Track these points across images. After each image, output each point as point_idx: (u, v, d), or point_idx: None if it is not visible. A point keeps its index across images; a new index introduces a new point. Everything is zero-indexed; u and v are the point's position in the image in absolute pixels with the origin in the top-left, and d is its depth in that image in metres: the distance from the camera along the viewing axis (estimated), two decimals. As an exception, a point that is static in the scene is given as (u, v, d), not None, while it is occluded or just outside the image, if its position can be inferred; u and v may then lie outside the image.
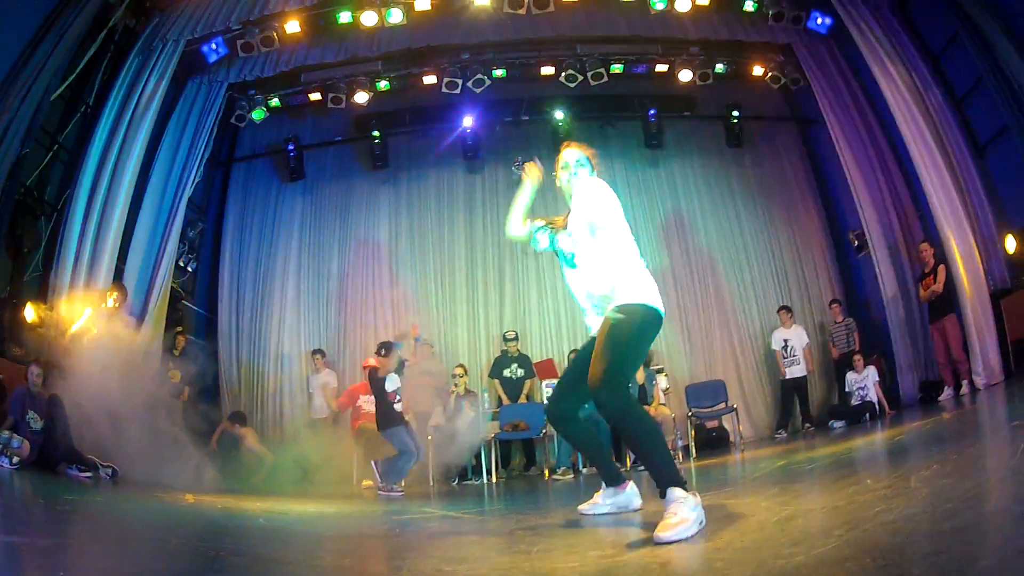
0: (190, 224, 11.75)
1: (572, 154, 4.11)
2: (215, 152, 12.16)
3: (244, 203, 13.31)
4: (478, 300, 12.79)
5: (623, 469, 8.96)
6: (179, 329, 10.98)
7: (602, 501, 4.08)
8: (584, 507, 4.12)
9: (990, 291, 9.21)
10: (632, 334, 3.44)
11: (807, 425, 11.03)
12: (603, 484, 4.14)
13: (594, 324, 3.79)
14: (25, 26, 8.28)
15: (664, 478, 3.18)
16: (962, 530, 2.09)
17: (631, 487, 4.08)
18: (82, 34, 8.88)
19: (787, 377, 11.44)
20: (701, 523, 3.03)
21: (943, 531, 2.14)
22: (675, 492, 3.10)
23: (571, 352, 10.70)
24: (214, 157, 12.29)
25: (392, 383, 8.86)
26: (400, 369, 8.77)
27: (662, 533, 2.85)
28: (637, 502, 4.05)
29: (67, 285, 8.80)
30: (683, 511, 2.99)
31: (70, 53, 8.77)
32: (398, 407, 8.74)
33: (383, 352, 8.38)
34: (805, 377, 11.38)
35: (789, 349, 11.41)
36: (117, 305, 8.75)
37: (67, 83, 9.09)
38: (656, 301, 3.54)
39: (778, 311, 11.94)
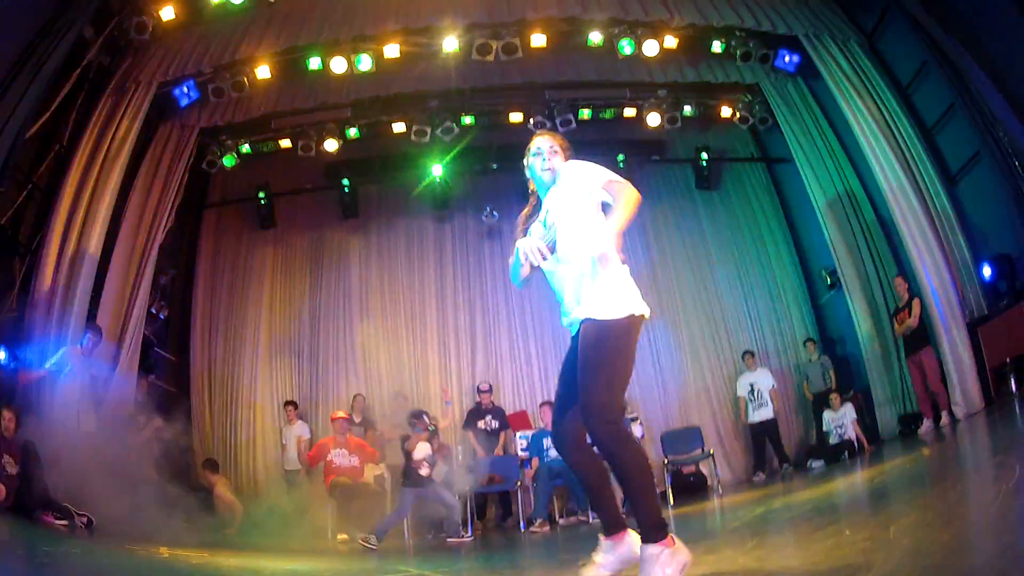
0: (161, 271, 11.57)
1: (545, 141, 3.81)
2: (186, 197, 12.00)
3: (216, 250, 13.19)
4: (450, 351, 12.69)
5: (586, 518, 8.92)
6: (151, 377, 10.82)
7: (603, 560, 3.35)
8: (587, 573, 3.37)
9: (967, 320, 9.22)
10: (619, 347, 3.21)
11: (784, 465, 10.95)
12: (600, 537, 3.43)
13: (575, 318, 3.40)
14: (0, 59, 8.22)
15: (644, 530, 3.01)
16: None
17: (631, 535, 3.33)
18: (57, 71, 8.80)
19: (756, 421, 11.39)
20: (684, 567, 2.96)
21: (924, 593, 2.06)
22: (649, 550, 2.96)
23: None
24: (185, 202, 12.13)
25: (421, 451, 8.79)
26: (434, 435, 8.84)
27: None
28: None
29: (40, 328, 8.66)
30: (655, 572, 2.89)
31: (44, 90, 8.68)
32: (424, 471, 8.63)
33: (412, 423, 8.59)
34: (774, 419, 11.33)
35: (756, 392, 11.39)
36: (89, 345, 8.58)
37: (41, 121, 8.97)
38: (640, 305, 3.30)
39: (742, 356, 11.93)
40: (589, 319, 3.26)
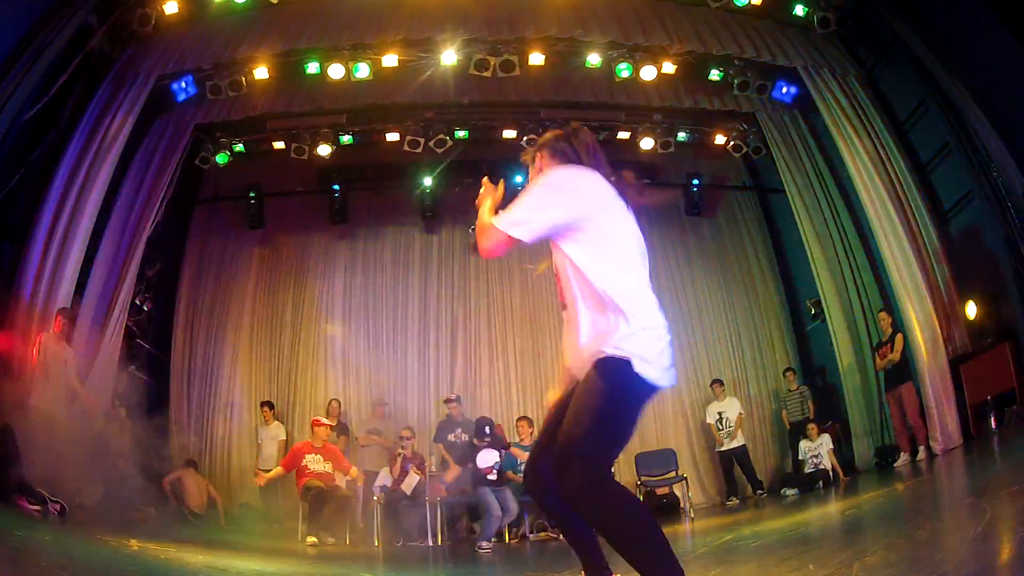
0: (148, 263, 11.52)
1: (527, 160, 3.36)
2: (177, 192, 11.95)
3: (203, 246, 13.16)
4: (429, 362, 12.70)
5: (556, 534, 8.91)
6: (131, 368, 10.78)
7: None
8: None
9: (949, 357, 9.27)
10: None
11: (758, 492, 10.97)
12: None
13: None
14: (2, 42, 8.21)
15: None
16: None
17: None
18: (58, 56, 8.79)
19: (724, 449, 11.41)
20: None
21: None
22: None
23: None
24: (176, 197, 12.09)
25: (486, 459, 9.14)
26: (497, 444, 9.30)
27: None
28: None
29: (23, 313, 8.64)
30: None
31: (44, 75, 8.67)
32: (491, 477, 9.02)
33: (479, 432, 9.55)
34: (743, 447, 11.36)
35: (724, 421, 11.42)
36: (63, 331, 8.52)
37: (40, 105, 8.92)
38: None
39: (711, 385, 11.94)
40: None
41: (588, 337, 2.79)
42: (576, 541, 2.97)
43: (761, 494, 10.95)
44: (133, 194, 10.59)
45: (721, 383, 11.79)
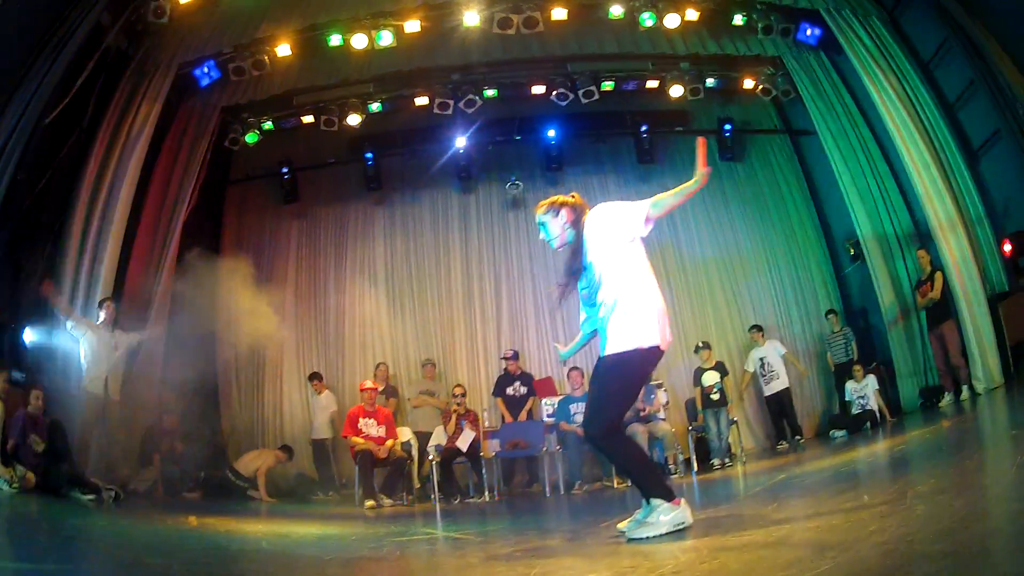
0: (185, 246, 11.69)
1: (541, 212, 4.16)
2: (209, 175, 12.07)
3: (239, 226, 13.36)
4: (476, 319, 12.84)
5: (624, 484, 9.04)
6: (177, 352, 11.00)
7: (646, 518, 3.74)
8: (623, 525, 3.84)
9: (987, 296, 9.21)
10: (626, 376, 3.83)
11: (796, 437, 10.98)
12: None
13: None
14: (17, 49, 8.32)
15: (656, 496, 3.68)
16: (953, 553, 2.09)
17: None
18: (76, 56, 8.88)
19: (769, 394, 11.38)
20: (677, 526, 3.55)
21: (934, 554, 2.14)
22: (655, 500, 3.64)
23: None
24: (208, 180, 12.22)
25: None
26: None
27: (626, 529, 3.68)
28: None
29: (65, 307, 8.79)
30: (652, 517, 3.61)
31: (64, 75, 8.78)
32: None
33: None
34: (787, 389, 11.31)
35: (767, 365, 11.38)
36: (108, 318, 8.75)
37: (60, 107, 9.04)
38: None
39: (749, 331, 11.89)
40: (602, 356, 3.82)
41: None
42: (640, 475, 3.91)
43: (799, 439, 10.96)
44: (165, 182, 10.78)
45: (759, 328, 11.75)
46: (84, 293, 9.11)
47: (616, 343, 3.75)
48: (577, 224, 4.03)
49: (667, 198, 3.89)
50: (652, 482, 3.74)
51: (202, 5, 10.57)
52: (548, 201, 4.15)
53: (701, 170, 3.80)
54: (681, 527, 3.58)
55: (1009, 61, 8.44)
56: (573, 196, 4.17)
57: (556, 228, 4.08)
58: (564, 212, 4.07)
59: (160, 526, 5.94)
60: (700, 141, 3.87)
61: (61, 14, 8.66)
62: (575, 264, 3.99)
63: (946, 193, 9.60)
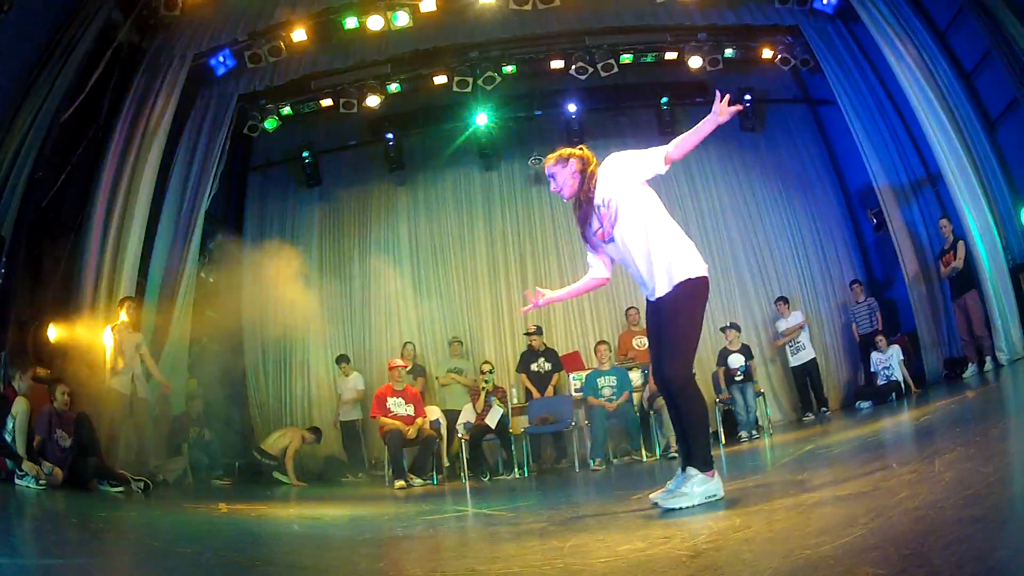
0: (208, 235, 11.82)
1: (549, 164, 4.23)
2: (230, 163, 12.22)
3: (262, 212, 13.49)
4: (501, 296, 12.92)
5: (653, 457, 9.11)
6: (204, 340, 11.16)
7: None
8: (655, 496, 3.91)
9: (1009, 265, 9.16)
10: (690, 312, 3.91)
11: (822, 409, 11.01)
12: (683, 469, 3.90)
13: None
14: (30, 48, 8.36)
15: (697, 458, 3.77)
16: (983, 518, 2.13)
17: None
18: (88, 54, 8.94)
19: (796, 364, 11.46)
20: (709, 497, 3.64)
21: (964, 519, 2.18)
22: (691, 471, 3.74)
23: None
24: (229, 168, 12.37)
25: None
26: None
27: (659, 499, 3.75)
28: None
29: (88, 303, 8.97)
30: (687, 487, 3.69)
31: (77, 73, 8.82)
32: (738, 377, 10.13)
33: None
34: (814, 360, 11.38)
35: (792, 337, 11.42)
36: (130, 318, 8.87)
37: (76, 104, 9.11)
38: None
39: (775, 303, 11.93)
40: (656, 298, 3.93)
41: None
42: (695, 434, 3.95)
43: (824, 411, 10.99)
44: (185, 172, 10.89)
45: (785, 300, 11.78)
46: (108, 287, 9.21)
47: (668, 279, 3.86)
48: (585, 172, 4.11)
49: (684, 137, 3.98)
50: (701, 445, 3.79)
51: (214, -7, 10.59)
52: (556, 153, 4.24)
53: (717, 106, 3.96)
54: (713, 499, 3.67)
55: (1023, 29, 8.33)
56: (581, 148, 4.26)
57: (566, 176, 4.16)
58: (573, 162, 4.15)
59: (190, 514, 6.00)
60: (718, 94, 4.01)
61: (72, 13, 8.69)
62: (586, 212, 4.09)
63: (966, 161, 9.50)
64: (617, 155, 4.04)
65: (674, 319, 3.87)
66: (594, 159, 4.18)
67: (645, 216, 3.93)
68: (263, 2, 10.62)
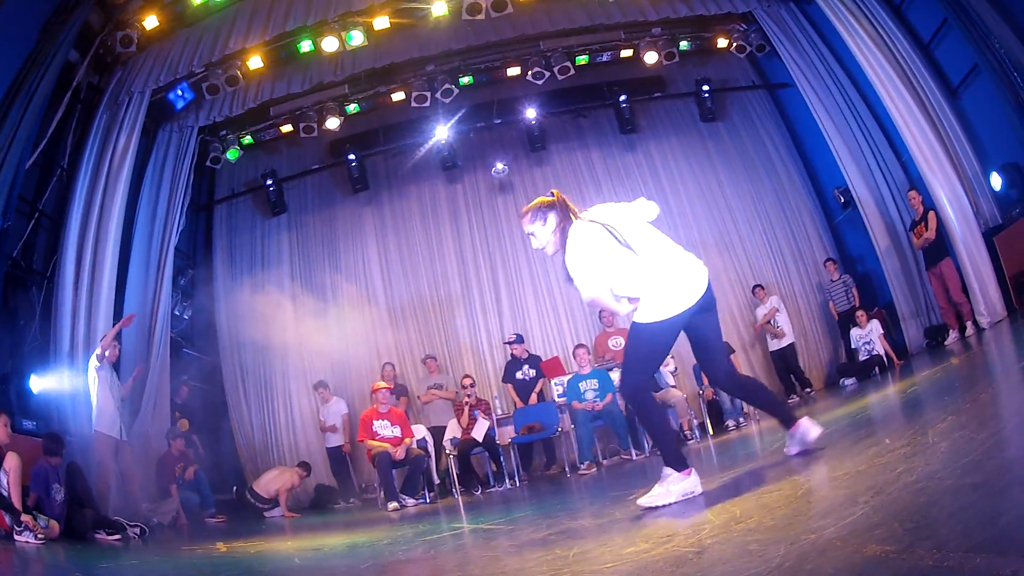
0: (180, 272, 11.73)
1: (526, 221, 4.14)
2: (195, 197, 12.16)
3: (230, 244, 13.35)
4: (475, 308, 12.88)
5: (643, 455, 9.08)
6: (184, 378, 11.07)
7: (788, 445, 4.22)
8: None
9: (982, 230, 9.24)
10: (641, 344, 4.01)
11: (807, 390, 11.06)
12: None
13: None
14: None
15: (667, 462, 3.92)
16: (983, 484, 2.10)
17: (803, 422, 4.10)
18: (48, 97, 8.82)
19: (774, 349, 11.54)
20: (687, 494, 3.77)
21: (965, 487, 2.16)
22: (666, 471, 3.87)
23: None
24: (194, 202, 12.31)
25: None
26: None
27: (640, 500, 3.85)
28: (813, 432, 4.08)
29: (67, 350, 8.81)
30: (663, 486, 3.82)
31: (39, 117, 8.69)
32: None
33: None
34: (792, 345, 11.46)
35: (773, 322, 11.45)
36: (111, 359, 8.69)
37: (40, 149, 9.03)
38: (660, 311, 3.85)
39: (752, 290, 11.98)
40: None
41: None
42: (769, 405, 4.53)
43: (809, 392, 11.04)
44: (152, 209, 10.79)
45: (762, 287, 11.85)
46: (84, 334, 9.03)
47: (637, 313, 3.94)
48: (564, 228, 3.98)
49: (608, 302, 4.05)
50: (666, 448, 3.97)
51: (168, 29, 10.54)
52: (530, 208, 4.13)
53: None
54: (691, 495, 3.79)
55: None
56: (553, 194, 4.11)
57: (546, 235, 4.08)
58: (551, 216, 4.04)
59: (190, 557, 5.92)
60: None
61: (28, 57, 8.56)
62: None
63: (930, 131, 9.59)
64: (570, 257, 3.91)
65: (629, 342, 4.08)
66: (570, 207, 4.05)
67: (622, 287, 4.00)
68: (216, 33, 10.52)
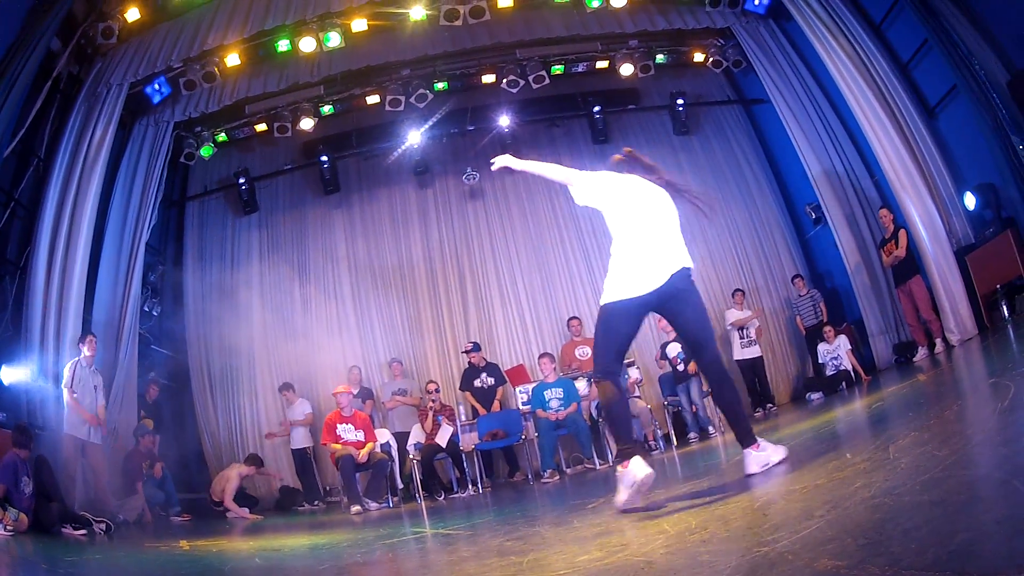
0: (150, 268, 11.60)
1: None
2: (168, 192, 12.06)
3: (201, 241, 13.18)
4: (443, 314, 12.81)
5: (605, 464, 9.05)
6: (151, 375, 10.92)
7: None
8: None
9: (954, 249, 9.32)
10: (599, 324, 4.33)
11: (768, 405, 11.05)
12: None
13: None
14: None
15: (618, 455, 4.04)
16: (941, 502, 2.08)
17: (762, 443, 4.09)
18: (29, 86, 8.69)
19: (744, 358, 11.40)
20: (631, 485, 3.80)
21: (922, 503, 2.14)
22: (620, 467, 3.93)
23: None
24: (167, 197, 12.20)
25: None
26: None
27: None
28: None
29: (37, 344, 8.68)
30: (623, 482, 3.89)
31: (19, 105, 8.57)
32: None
33: None
34: (761, 358, 11.46)
35: (744, 330, 11.45)
36: (90, 354, 8.58)
37: (18, 138, 8.91)
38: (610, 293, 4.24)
39: (732, 294, 11.92)
40: None
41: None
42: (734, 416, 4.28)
43: (771, 407, 11.04)
44: (124, 204, 10.67)
45: (742, 292, 11.86)
46: (55, 328, 8.90)
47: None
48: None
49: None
50: (617, 437, 4.16)
51: (149, 22, 10.44)
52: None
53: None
54: (635, 484, 3.82)
55: (963, 17, 8.50)
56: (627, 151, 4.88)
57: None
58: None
59: (154, 554, 5.88)
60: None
61: (11, 45, 8.45)
62: None
63: (904, 151, 9.66)
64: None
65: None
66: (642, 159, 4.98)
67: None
68: (196, 28, 10.43)
